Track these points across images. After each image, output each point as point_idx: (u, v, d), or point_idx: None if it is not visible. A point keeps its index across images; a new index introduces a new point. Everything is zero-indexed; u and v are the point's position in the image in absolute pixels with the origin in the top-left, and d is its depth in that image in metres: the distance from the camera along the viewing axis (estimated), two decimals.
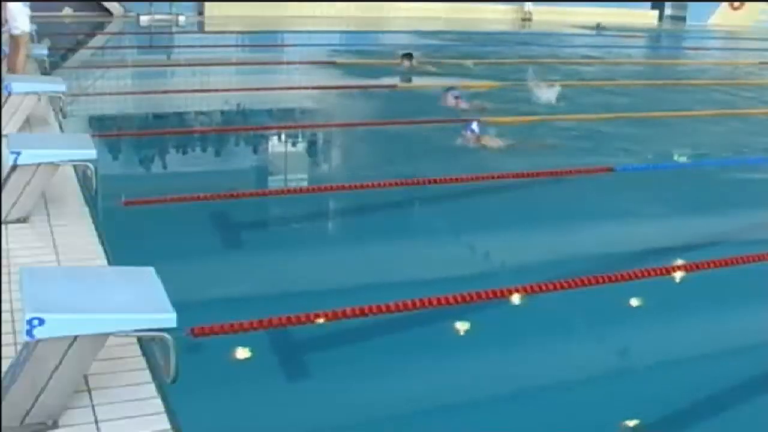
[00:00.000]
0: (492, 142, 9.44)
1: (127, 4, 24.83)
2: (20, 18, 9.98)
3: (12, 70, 9.86)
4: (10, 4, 9.83)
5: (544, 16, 30.03)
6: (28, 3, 10.26)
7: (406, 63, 15.00)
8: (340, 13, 27.37)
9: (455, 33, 24.40)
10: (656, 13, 33.04)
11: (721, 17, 33.25)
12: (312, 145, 10.39)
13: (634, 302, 5.56)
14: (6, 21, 9.82)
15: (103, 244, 5.30)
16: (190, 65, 15.82)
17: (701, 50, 24.06)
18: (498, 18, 29.96)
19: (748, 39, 28.04)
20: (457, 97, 11.05)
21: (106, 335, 3.26)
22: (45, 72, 11.42)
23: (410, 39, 22.19)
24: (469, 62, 16.75)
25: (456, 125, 9.80)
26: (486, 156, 9.08)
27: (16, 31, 9.94)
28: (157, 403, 3.46)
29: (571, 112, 11.69)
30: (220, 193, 7.16)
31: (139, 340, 3.66)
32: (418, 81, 14.43)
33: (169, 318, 3.23)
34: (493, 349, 4.77)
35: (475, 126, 9.49)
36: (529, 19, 30.12)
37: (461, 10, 29.12)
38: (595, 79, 15.92)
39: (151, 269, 3.60)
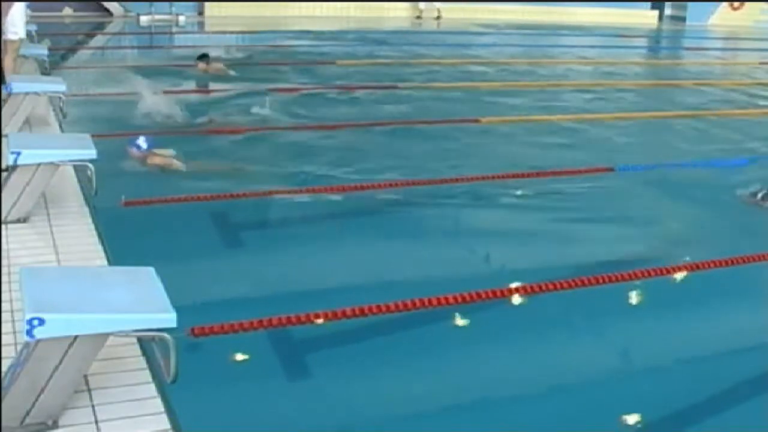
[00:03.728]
0: (163, 161, 7.89)
1: (127, 4, 24.81)
2: (19, 23, 9.99)
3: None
4: (12, 9, 9.83)
5: (459, 14, 28.96)
6: (27, 4, 10.22)
7: (201, 65, 13.60)
8: (339, 13, 27.36)
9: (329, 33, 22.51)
10: (656, 13, 33.03)
11: (721, 17, 33.24)
12: None
13: (634, 302, 5.56)
14: (4, 24, 9.77)
15: (103, 244, 5.30)
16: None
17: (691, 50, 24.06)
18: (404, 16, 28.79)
19: (748, 39, 28.04)
20: (140, 148, 8.01)
21: (106, 335, 3.27)
22: (45, 72, 11.41)
23: (255, 40, 20.73)
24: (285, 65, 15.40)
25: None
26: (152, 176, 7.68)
27: (14, 36, 9.93)
28: (157, 403, 3.47)
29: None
30: (220, 193, 7.16)
31: (139, 340, 3.66)
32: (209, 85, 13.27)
33: (169, 318, 3.24)
34: (493, 349, 4.77)
35: (141, 141, 7.86)
36: (420, 17, 28.77)
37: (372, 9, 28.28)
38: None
39: (151, 269, 3.61)
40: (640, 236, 6.91)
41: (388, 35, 23.41)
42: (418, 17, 28.89)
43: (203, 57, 13.77)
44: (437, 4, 29.05)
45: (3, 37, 9.81)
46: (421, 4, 29.07)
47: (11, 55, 10.08)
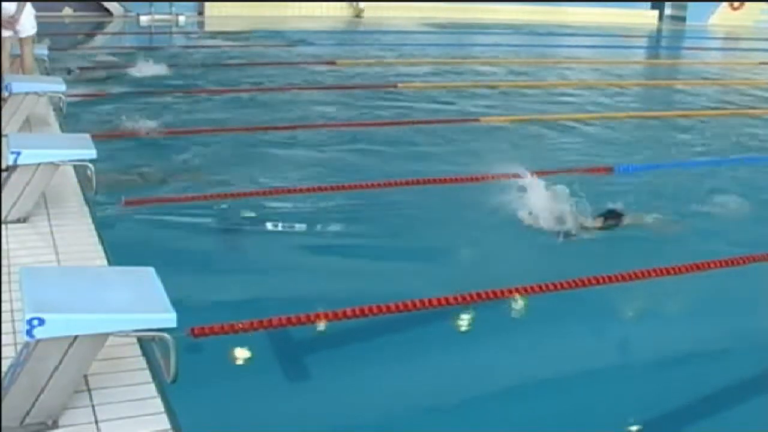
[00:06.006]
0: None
1: (127, 4, 24.80)
2: (29, 20, 10.07)
3: (24, 71, 9.97)
4: (26, 7, 9.93)
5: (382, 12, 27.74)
6: (31, 3, 10.30)
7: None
8: (339, 13, 27.33)
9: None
10: (656, 13, 33.02)
11: (721, 17, 33.22)
12: None
13: (634, 302, 5.56)
14: (17, 22, 9.82)
15: (103, 244, 5.31)
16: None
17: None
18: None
19: (748, 39, 28.04)
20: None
21: (106, 335, 3.27)
22: (45, 72, 11.41)
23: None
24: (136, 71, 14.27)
25: None
26: None
27: (24, 34, 10.01)
28: (157, 403, 3.47)
29: None
30: (220, 193, 7.16)
31: (139, 340, 3.66)
32: None
33: (169, 318, 3.24)
34: (492, 349, 4.77)
35: None
36: (360, 16, 27.40)
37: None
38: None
39: (151, 269, 3.61)
40: (639, 235, 6.90)
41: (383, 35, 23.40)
42: (358, 16, 28.26)
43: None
44: (362, 4, 27.95)
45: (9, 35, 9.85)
46: (361, 3, 28.22)
47: (29, 52, 10.18)
